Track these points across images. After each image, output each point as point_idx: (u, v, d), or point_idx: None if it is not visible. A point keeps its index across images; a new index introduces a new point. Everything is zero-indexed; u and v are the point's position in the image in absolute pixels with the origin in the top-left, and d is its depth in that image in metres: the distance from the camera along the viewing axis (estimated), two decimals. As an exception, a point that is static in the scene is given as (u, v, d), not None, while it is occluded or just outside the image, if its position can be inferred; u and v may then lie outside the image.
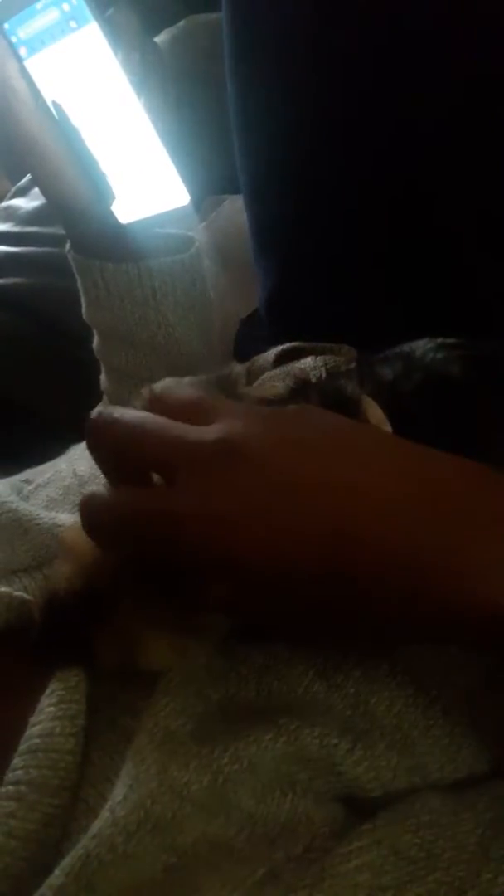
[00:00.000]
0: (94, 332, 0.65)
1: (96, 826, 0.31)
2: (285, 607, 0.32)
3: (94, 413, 0.33)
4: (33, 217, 0.98)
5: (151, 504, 0.31)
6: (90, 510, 0.32)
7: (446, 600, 0.29)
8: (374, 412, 0.39)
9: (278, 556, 0.29)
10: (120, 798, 0.31)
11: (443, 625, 0.30)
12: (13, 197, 1.06)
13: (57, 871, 0.30)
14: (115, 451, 0.33)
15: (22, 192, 1.05)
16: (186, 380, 0.43)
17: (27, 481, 0.53)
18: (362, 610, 0.30)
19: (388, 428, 0.38)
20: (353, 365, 0.51)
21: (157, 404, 0.34)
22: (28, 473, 0.55)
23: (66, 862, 0.30)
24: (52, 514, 0.46)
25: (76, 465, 0.52)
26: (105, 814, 0.31)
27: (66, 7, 0.46)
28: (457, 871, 0.30)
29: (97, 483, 0.48)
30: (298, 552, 0.29)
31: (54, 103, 0.50)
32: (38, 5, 0.46)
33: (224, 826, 0.32)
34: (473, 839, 0.32)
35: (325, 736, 0.34)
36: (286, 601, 0.31)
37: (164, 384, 0.42)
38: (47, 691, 0.35)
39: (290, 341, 0.65)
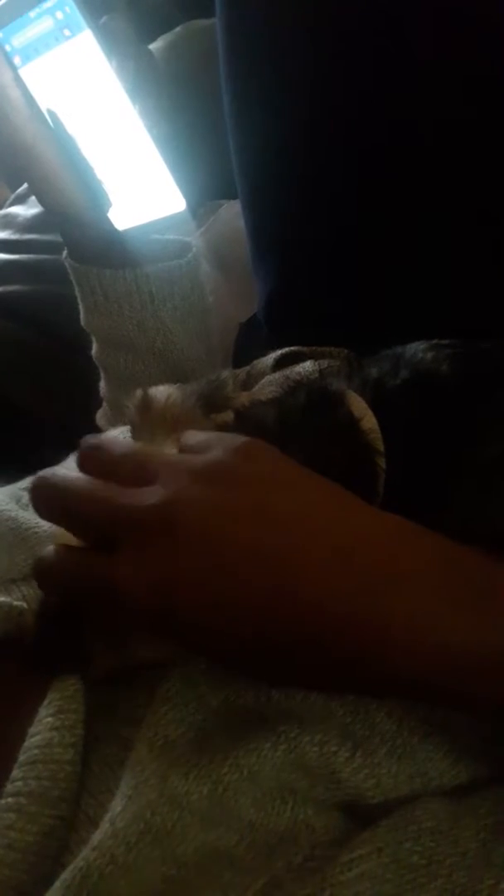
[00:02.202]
0: (93, 338, 0.65)
1: (96, 838, 0.31)
2: (225, 658, 0.33)
3: (34, 480, 0.34)
4: (32, 224, 0.98)
5: (91, 569, 0.32)
6: (39, 569, 0.34)
7: (374, 658, 0.30)
8: (358, 405, 0.39)
9: (213, 623, 0.30)
10: (120, 809, 0.31)
11: (369, 678, 0.31)
12: (12, 204, 1.06)
13: (57, 884, 0.29)
14: (56, 519, 0.34)
15: (21, 200, 1.06)
16: (175, 386, 0.43)
17: (27, 489, 0.53)
18: (301, 665, 0.31)
19: (372, 420, 0.38)
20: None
21: (93, 462, 0.35)
22: (28, 482, 0.55)
23: (67, 874, 0.30)
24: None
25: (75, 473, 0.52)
26: (105, 825, 0.31)
27: (59, 15, 0.46)
28: (459, 878, 0.30)
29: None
30: (232, 619, 0.30)
31: (49, 111, 0.50)
32: (32, 14, 0.46)
33: (224, 835, 0.31)
34: (475, 845, 0.31)
35: (324, 743, 0.34)
36: (225, 656, 0.32)
37: (156, 391, 0.42)
38: (45, 702, 0.35)
39: (289, 345, 0.65)
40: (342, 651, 0.30)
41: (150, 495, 0.32)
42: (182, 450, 0.36)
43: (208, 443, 0.35)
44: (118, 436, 0.55)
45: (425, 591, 0.30)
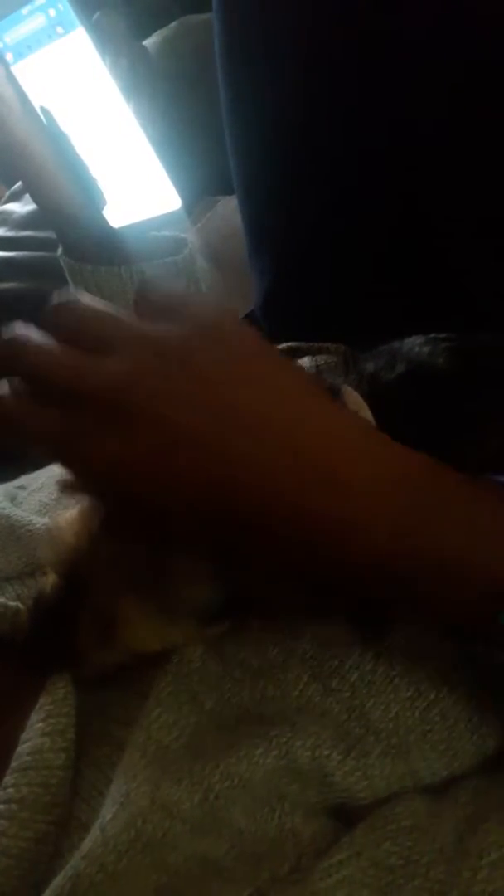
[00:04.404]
0: (89, 336, 0.64)
1: (86, 845, 0.30)
2: (176, 538, 0.33)
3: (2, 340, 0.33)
4: (28, 221, 0.97)
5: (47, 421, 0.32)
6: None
7: (327, 549, 0.30)
8: (354, 399, 0.39)
9: (162, 503, 0.31)
10: (110, 816, 0.31)
11: (326, 571, 0.31)
12: (7, 201, 1.06)
13: (47, 892, 0.29)
14: (24, 378, 0.33)
15: (16, 197, 1.05)
16: None
17: (22, 487, 0.53)
18: (248, 552, 0.32)
19: (367, 413, 0.38)
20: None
21: (57, 325, 0.33)
22: (23, 479, 0.55)
23: (57, 882, 0.29)
24: (45, 519, 0.46)
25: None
26: (96, 832, 0.31)
27: (52, 13, 0.46)
28: (437, 874, 0.30)
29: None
30: (180, 503, 0.30)
31: (42, 109, 0.50)
32: (24, 11, 0.46)
33: (215, 844, 0.31)
34: (452, 838, 0.31)
35: (317, 747, 0.34)
36: (175, 535, 0.33)
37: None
38: (36, 706, 0.35)
39: (286, 341, 0.65)
40: (290, 543, 0.30)
41: (109, 366, 0.31)
42: (139, 308, 0.34)
43: (172, 310, 0.33)
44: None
45: (375, 496, 0.31)
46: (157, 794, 0.32)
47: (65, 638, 0.36)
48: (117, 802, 0.32)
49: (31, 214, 0.98)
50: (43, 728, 0.34)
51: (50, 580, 0.38)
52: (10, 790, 0.32)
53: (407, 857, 0.30)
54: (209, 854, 0.31)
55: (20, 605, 0.41)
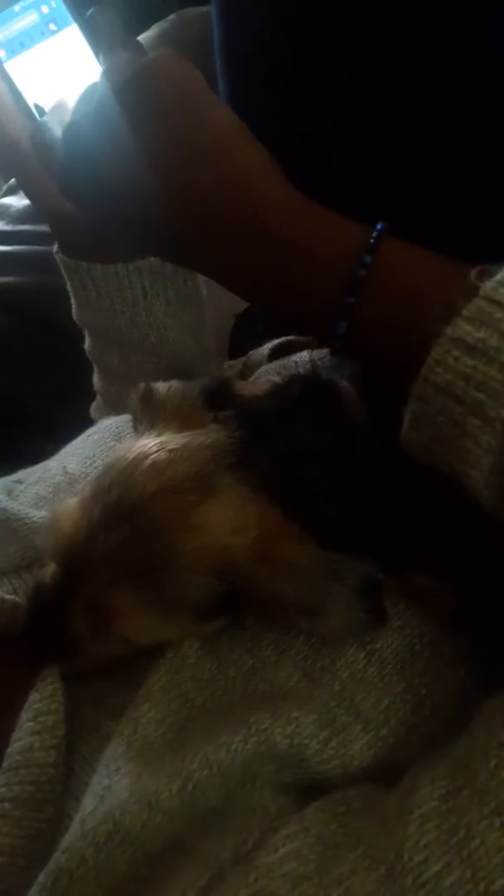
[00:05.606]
0: (86, 332, 0.64)
1: (67, 839, 0.31)
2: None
3: None
4: (25, 215, 0.97)
5: None
6: None
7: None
8: (348, 395, 0.40)
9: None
10: (90, 809, 0.31)
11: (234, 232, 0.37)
12: (4, 195, 1.06)
13: (33, 889, 0.30)
14: None
15: (13, 191, 1.05)
16: (176, 382, 0.43)
17: (19, 481, 0.53)
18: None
19: (361, 409, 0.39)
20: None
21: None
22: (20, 474, 0.55)
23: (41, 878, 0.30)
24: (42, 512, 0.46)
25: (66, 464, 0.52)
26: (75, 826, 0.31)
27: (45, 9, 0.46)
28: (377, 843, 0.30)
29: (86, 482, 0.48)
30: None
31: (36, 106, 0.50)
32: (16, 7, 0.46)
33: (189, 826, 0.32)
34: (394, 810, 0.31)
35: (296, 735, 0.34)
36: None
37: (158, 384, 0.43)
38: (26, 705, 0.35)
39: (285, 334, 0.65)
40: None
41: None
42: None
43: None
44: (111, 425, 0.55)
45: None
46: (137, 786, 0.32)
47: (61, 627, 0.37)
48: (98, 795, 0.32)
49: (28, 208, 0.98)
50: (32, 727, 0.34)
51: (49, 570, 0.38)
52: (3, 789, 0.33)
53: (352, 836, 0.31)
54: (185, 835, 0.31)
55: (17, 598, 0.41)
